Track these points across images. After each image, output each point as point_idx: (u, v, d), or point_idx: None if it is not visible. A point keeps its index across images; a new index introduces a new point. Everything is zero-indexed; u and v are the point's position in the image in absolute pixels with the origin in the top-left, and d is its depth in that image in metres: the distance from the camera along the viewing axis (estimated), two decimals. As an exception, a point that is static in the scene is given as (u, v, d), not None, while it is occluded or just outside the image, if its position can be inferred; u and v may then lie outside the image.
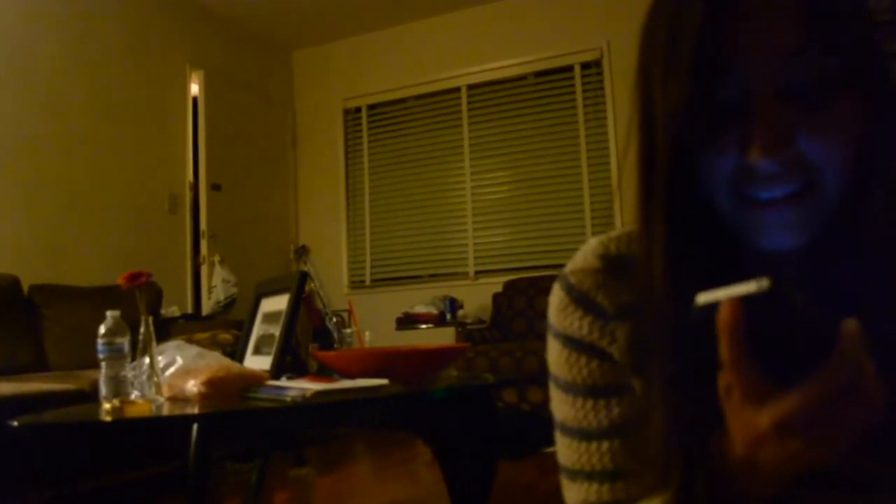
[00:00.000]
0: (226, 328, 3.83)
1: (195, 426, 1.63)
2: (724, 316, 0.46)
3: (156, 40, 4.89)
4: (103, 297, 3.72)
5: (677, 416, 0.57)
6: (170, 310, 4.31)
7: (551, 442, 2.76)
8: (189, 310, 4.84)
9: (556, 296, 0.73)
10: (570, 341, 0.70)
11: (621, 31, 4.99)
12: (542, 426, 3.63)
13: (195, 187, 5.09)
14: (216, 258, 4.89)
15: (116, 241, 4.41)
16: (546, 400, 2.82)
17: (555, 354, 0.72)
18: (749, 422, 0.49)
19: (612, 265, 0.70)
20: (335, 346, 4.35)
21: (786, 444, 0.48)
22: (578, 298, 0.70)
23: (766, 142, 0.53)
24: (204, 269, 4.95)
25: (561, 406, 0.72)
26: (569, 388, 0.70)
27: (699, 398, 0.54)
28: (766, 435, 0.48)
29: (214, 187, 5.05)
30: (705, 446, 0.55)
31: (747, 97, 0.54)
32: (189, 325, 3.96)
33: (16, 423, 1.55)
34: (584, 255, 0.73)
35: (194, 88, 5.21)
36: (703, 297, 0.47)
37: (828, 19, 0.54)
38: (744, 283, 0.44)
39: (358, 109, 5.94)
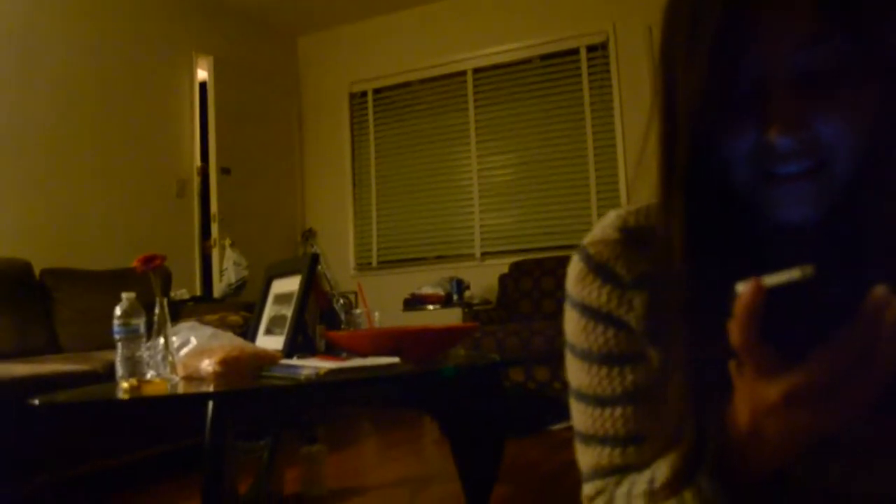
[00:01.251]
0: (235, 310, 3.87)
1: (210, 404, 1.67)
2: (745, 299, 0.47)
3: (161, 27, 4.91)
4: (113, 280, 3.77)
5: (691, 383, 0.59)
6: (179, 292, 4.36)
7: (557, 420, 2.83)
8: (198, 292, 4.88)
9: (575, 266, 0.75)
10: (587, 310, 0.73)
11: (627, 14, 5.00)
12: (547, 405, 3.70)
13: (203, 171, 5.12)
14: (227, 241, 4.93)
15: (126, 226, 4.46)
16: (552, 379, 2.90)
17: (572, 323, 0.75)
18: (758, 394, 0.51)
19: (630, 236, 0.72)
20: (342, 326, 4.39)
21: (793, 414, 0.50)
22: (597, 268, 0.72)
23: (784, 122, 0.56)
24: (215, 252, 4.98)
25: (577, 373, 0.74)
26: (585, 355, 0.73)
27: (713, 367, 0.56)
28: (774, 406, 0.50)
29: (224, 171, 5.09)
30: (717, 413, 0.56)
31: (766, 80, 0.57)
32: (198, 308, 4.00)
33: (36, 402, 1.59)
34: (603, 227, 0.74)
35: (201, 74, 5.24)
36: (743, 286, 0.48)
37: (844, 8, 0.56)
38: (787, 271, 0.46)
39: (364, 93, 5.95)
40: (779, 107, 0.56)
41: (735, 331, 0.48)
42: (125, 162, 4.52)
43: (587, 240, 0.75)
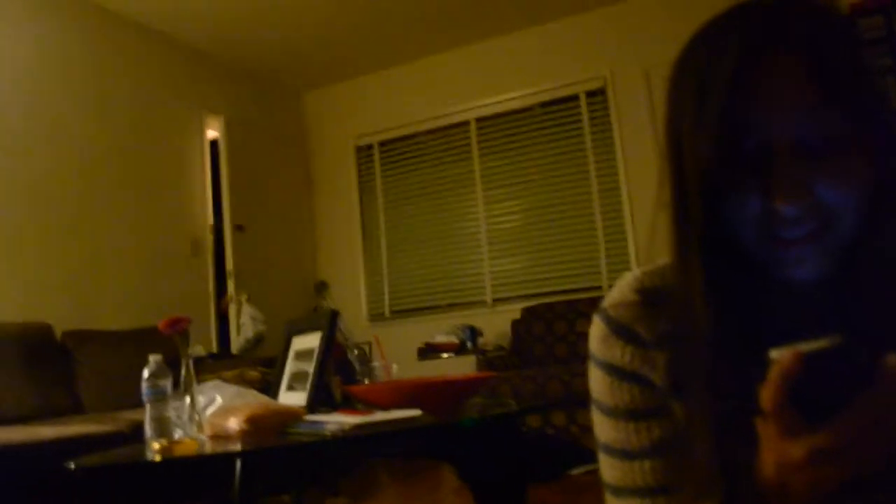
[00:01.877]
0: (252, 366, 3.92)
1: (239, 462, 1.71)
2: (784, 364, 0.52)
3: (171, 90, 5.05)
4: (133, 340, 3.84)
5: (718, 439, 0.64)
6: (195, 349, 4.41)
7: (577, 464, 2.86)
8: (214, 349, 4.93)
9: (598, 328, 0.79)
10: (612, 369, 0.77)
11: (623, 60, 5.13)
12: (566, 449, 3.70)
13: (216, 229, 5.21)
14: (243, 297, 5.00)
15: (142, 286, 4.53)
16: (569, 423, 2.93)
17: (598, 382, 0.79)
18: (785, 451, 0.54)
19: (648, 298, 0.76)
20: (357, 378, 4.42)
21: (818, 471, 0.53)
22: (619, 330, 0.76)
23: (787, 190, 0.61)
24: (232, 308, 5.05)
25: (604, 429, 0.78)
26: (612, 412, 0.77)
27: (738, 422, 0.61)
28: (799, 463, 0.54)
29: (238, 228, 5.18)
30: (746, 468, 0.60)
31: (769, 151, 0.62)
32: (216, 364, 4.05)
33: (72, 466, 1.63)
34: (621, 289, 0.79)
35: (211, 133, 5.36)
36: (777, 353, 0.52)
37: (837, 81, 0.61)
38: (816, 340, 0.51)
39: (370, 146, 6.07)
40: (782, 174, 0.61)
41: (769, 393, 0.53)
42: (140, 223, 4.62)
43: (607, 302, 0.79)
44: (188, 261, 4.96)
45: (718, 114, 0.62)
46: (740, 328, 0.65)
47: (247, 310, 4.89)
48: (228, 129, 5.31)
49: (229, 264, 5.13)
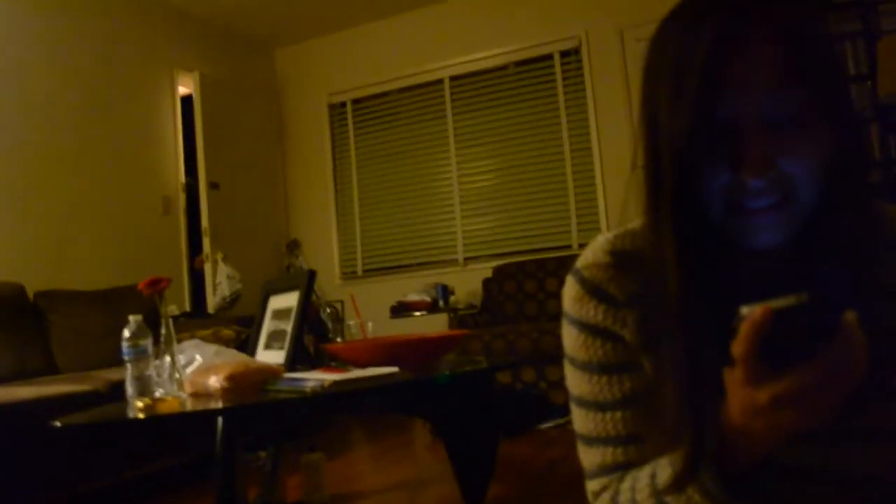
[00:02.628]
0: (227, 324, 3.94)
1: (221, 419, 1.76)
2: (755, 318, 0.55)
3: (140, 45, 4.96)
4: (106, 299, 3.84)
5: (688, 388, 0.69)
6: (169, 308, 4.41)
7: (545, 419, 2.97)
8: (187, 308, 4.95)
9: (572, 288, 0.84)
10: (586, 327, 0.82)
11: (598, 19, 5.14)
12: (535, 404, 3.80)
13: (188, 187, 5.18)
14: (219, 255, 5.00)
15: (114, 245, 4.51)
16: (538, 379, 3.03)
17: (572, 339, 0.84)
18: (748, 397, 0.58)
19: (620, 259, 0.81)
20: (330, 336, 4.47)
21: (778, 415, 0.58)
22: (592, 290, 0.81)
23: (755, 164, 0.66)
24: (207, 267, 5.05)
25: (577, 383, 0.84)
26: (585, 366, 0.82)
27: (706, 372, 0.66)
28: (762, 407, 0.58)
29: (213, 186, 5.15)
30: (712, 414, 0.65)
31: (738, 127, 0.67)
32: (190, 323, 4.07)
33: (58, 424, 1.66)
34: (594, 251, 0.84)
35: (182, 90, 5.30)
36: (747, 309, 0.56)
37: (806, 61, 0.66)
38: (783, 297, 0.55)
39: (343, 104, 6.04)
40: (751, 149, 0.66)
41: (739, 345, 0.57)
42: (111, 181, 4.57)
43: (580, 263, 0.84)
44: (160, 219, 4.93)
45: (694, 93, 0.66)
46: (708, 291, 0.69)
47: (223, 269, 4.90)
48: (202, 86, 5.23)
49: (204, 222, 5.10)
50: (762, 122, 0.66)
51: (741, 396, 0.60)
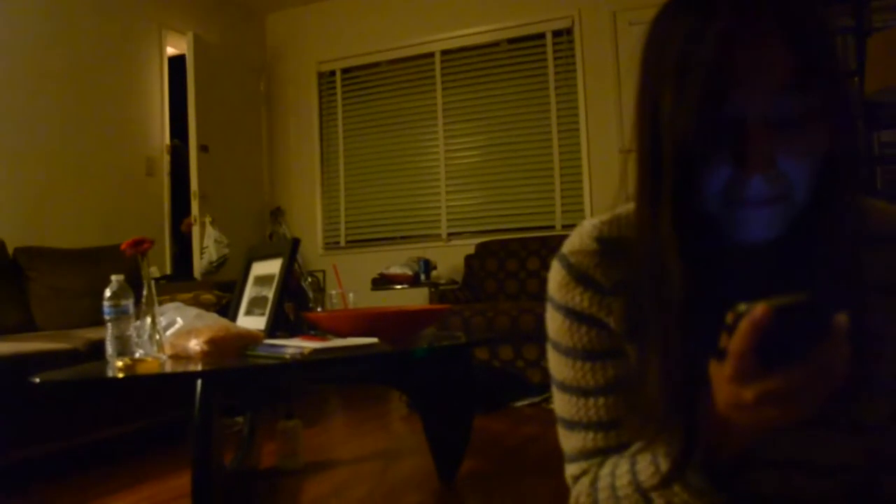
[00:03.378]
0: (208, 289, 3.94)
1: (200, 381, 1.77)
2: (756, 316, 0.55)
3: (126, 3, 4.88)
4: (87, 258, 3.83)
5: (678, 379, 0.69)
6: (150, 270, 4.40)
7: (521, 396, 3.01)
8: (168, 271, 4.93)
9: (558, 273, 0.84)
10: (571, 313, 0.82)
11: (592, 1, 5.12)
12: (511, 382, 3.84)
13: (173, 149, 5.14)
14: (207, 219, 4.98)
15: (96, 204, 4.48)
16: (515, 357, 3.07)
17: (556, 324, 0.84)
18: (734, 392, 0.59)
19: (606, 246, 0.81)
20: (311, 305, 4.49)
21: (761, 412, 0.59)
22: (578, 276, 0.81)
23: (758, 162, 0.66)
24: (195, 230, 5.02)
25: (561, 368, 0.84)
26: (569, 352, 0.83)
27: (692, 363, 0.67)
28: (747, 404, 0.59)
29: (202, 149, 5.11)
30: (697, 401, 0.67)
31: (743, 125, 0.67)
32: (170, 286, 4.06)
33: (37, 380, 1.67)
34: (581, 237, 0.83)
35: (170, 50, 5.23)
36: (745, 306, 0.56)
37: (810, 61, 0.66)
38: (783, 296, 0.55)
39: (332, 73, 6.00)
40: (755, 146, 0.66)
41: (737, 341, 0.57)
42: (95, 140, 4.53)
43: (567, 248, 0.84)
44: (144, 180, 4.89)
45: (699, 93, 0.66)
46: (704, 285, 0.70)
47: (211, 232, 4.88)
48: (195, 47, 5.16)
49: (194, 185, 5.07)
50: (767, 121, 0.66)
51: (726, 391, 0.60)
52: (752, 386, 0.58)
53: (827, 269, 0.71)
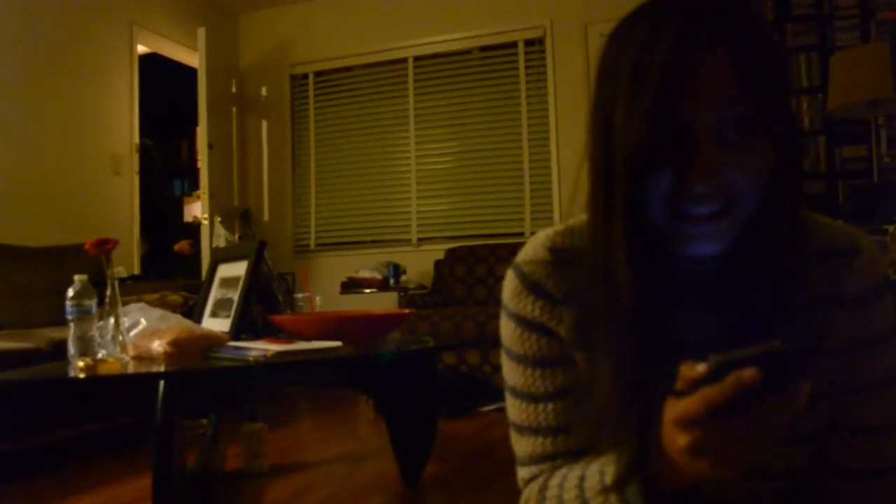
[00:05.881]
0: (174, 290, 3.92)
1: (162, 383, 1.77)
2: (745, 376, 0.55)
3: (96, 4, 4.83)
4: (52, 257, 3.78)
5: (623, 385, 0.71)
6: (117, 270, 4.36)
7: (486, 402, 3.03)
8: (136, 271, 4.89)
9: (511, 282, 0.86)
10: (523, 321, 0.84)
11: (564, 11, 5.19)
12: (478, 387, 3.86)
13: (142, 148, 5.11)
14: (217, 219, 4.99)
15: (62, 203, 4.42)
16: (482, 362, 3.09)
17: (509, 332, 0.86)
18: (672, 437, 0.61)
19: (559, 257, 0.83)
20: (280, 308, 4.47)
21: (695, 462, 0.60)
22: (531, 286, 0.83)
23: (703, 172, 0.67)
24: (204, 228, 5.13)
25: (512, 374, 0.86)
26: (520, 359, 0.85)
27: (642, 373, 0.69)
28: (681, 451, 0.60)
29: (211, 147, 5.32)
30: (647, 413, 0.68)
31: (692, 135, 0.68)
32: (137, 286, 4.03)
33: (-4, 379, 1.66)
34: (535, 247, 0.85)
35: (141, 48, 5.19)
36: (716, 359, 0.56)
37: (759, 77, 0.69)
38: (756, 345, 0.55)
39: (305, 76, 5.99)
40: (701, 156, 0.68)
41: (714, 392, 0.57)
42: (61, 138, 4.47)
43: (521, 258, 0.86)
44: (111, 179, 4.84)
45: (651, 99, 0.67)
46: (653, 295, 0.71)
47: (221, 232, 4.86)
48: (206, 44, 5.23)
49: (204, 183, 5.24)
50: (714, 132, 0.68)
51: (668, 432, 0.62)
52: (686, 434, 0.59)
53: (771, 282, 0.72)
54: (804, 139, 4.33)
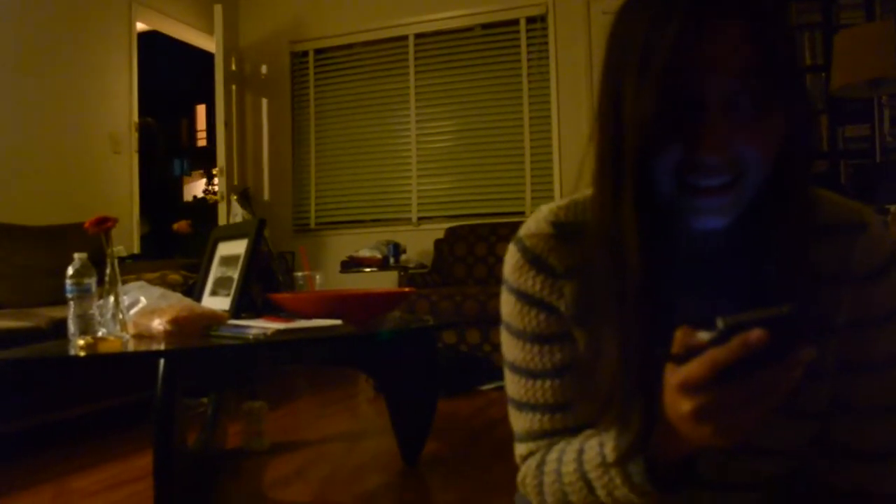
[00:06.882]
0: (174, 268, 3.91)
1: (162, 361, 1.77)
2: (752, 337, 0.54)
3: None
4: (50, 236, 3.78)
5: (629, 362, 0.70)
6: (116, 248, 4.35)
7: (486, 380, 3.04)
8: (136, 250, 4.89)
9: (513, 256, 0.85)
10: (523, 296, 0.83)
11: (566, -12, 5.13)
12: (478, 366, 3.88)
13: (141, 127, 5.09)
14: (234, 197, 5.01)
15: (62, 181, 4.41)
16: (482, 341, 3.11)
17: (509, 306, 0.86)
18: (675, 404, 0.60)
19: (562, 231, 0.82)
20: (279, 286, 4.48)
21: (700, 429, 0.59)
22: (532, 260, 0.83)
23: (713, 143, 0.67)
24: (221, 207, 5.23)
25: (512, 349, 0.86)
26: (520, 334, 0.84)
27: (649, 349, 0.68)
28: (685, 417, 0.60)
29: (227, 125, 5.45)
30: (653, 389, 0.66)
31: (702, 107, 0.68)
32: (137, 265, 4.03)
33: (-4, 357, 1.66)
34: (537, 221, 0.85)
35: (140, 26, 5.15)
36: (724, 321, 0.55)
37: (771, 49, 0.68)
38: (764, 309, 0.53)
39: (305, 53, 5.95)
40: (713, 129, 0.67)
41: (721, 353, 0.55)
42: (59, 116, 4.45)
43: (523, 232, 0.85)
44: (110, 157, 4.83)
45: (661, 73, 0.67)
46: (661, 270, 0.71)
47: (238, 210, 4.86)
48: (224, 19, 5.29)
49: (220, 161, 5.32)
50: (725, 105, 0.67)
51: (670, 398, 0.62)
52: (690, 400, 0.59)
53: (777, 258, 0.72)
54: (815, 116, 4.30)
